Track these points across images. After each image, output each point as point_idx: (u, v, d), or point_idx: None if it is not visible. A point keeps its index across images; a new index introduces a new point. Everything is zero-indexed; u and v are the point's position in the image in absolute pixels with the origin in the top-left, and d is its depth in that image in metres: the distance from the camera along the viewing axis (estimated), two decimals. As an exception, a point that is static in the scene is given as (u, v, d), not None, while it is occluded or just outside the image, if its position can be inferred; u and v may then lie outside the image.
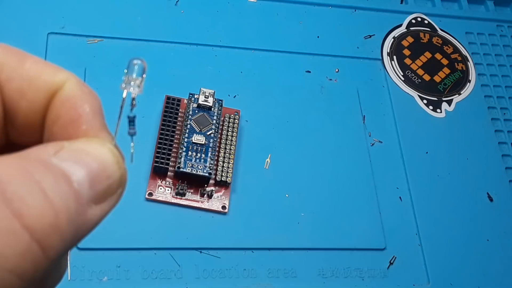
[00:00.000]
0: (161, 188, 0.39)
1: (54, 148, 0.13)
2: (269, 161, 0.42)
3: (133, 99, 0.15)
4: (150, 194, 0.39)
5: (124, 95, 0.15)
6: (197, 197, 0.39)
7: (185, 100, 0.42)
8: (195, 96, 0.41)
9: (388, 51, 0.50)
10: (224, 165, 0.40)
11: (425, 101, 0.48)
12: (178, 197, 0.39)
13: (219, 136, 0.41)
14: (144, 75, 0.15)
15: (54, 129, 0.14)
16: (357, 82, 0.47)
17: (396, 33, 0.51)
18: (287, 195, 0.41)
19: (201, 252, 0.38)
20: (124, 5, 0.46)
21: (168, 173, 0.39)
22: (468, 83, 0.50)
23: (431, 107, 0.48)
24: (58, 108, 0.14)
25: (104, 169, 0.13)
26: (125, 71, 0.15)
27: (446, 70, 0.50)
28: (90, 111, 0.14)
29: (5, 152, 0.15)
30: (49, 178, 0.12)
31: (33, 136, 0.15)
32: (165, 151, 0.39)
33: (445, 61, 0.51)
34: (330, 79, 0.47)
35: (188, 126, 0.40)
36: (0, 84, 0.14)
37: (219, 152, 0.40)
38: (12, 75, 0.14)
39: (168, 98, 0.41)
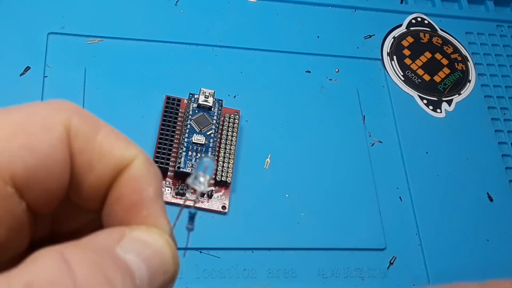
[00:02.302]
0: (161, 188, 0.39)
1: (117, 236, 0.13)
2: (269, 161, 0.42)
3: (198, 195, 0.15)
4: (150, 194, 0.39)
5: (192, 190, 0.15)
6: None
7: (185, 100, 0.42)
8: (195, 96, 0.41)
9: (388, 51, 0.50)
10: (224, 165, 0.40)
11: (425, 101, 0.48)
12: (178, 197, 0.39)
13: (219, 136, 0.41)
14: (212, 175, 0.15)
15: (116, 208, 0.14)
16: (357, 82, 0.47)
17: (396, 33, 0.51)
18: (287, 195, 0.41)
19: (201, 252, 0.38)
20: (124, 5, 0.46)
21: (168, 173, 0.39)
22: (468, 83, 0.50)
23: (431, 107, 0.48)
24: (123, 187, 0.14)
25: (162, 264, 0.14)
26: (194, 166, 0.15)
27: (446, 70, 0.50)
28: (153, 195, 0.14)
29: (62, 210, 0.15)
30: (119, 277, 0.12)
31: (93, 202, 0.15)
32: (165, 151, 0.39)
33: (445, 61, 0.51)
34: (330, 79, 0.47)
35: (188, 126, 0.40)
36: (72, 155, 0.14)
37: (219, 152, 0.40)
38: (84, 147, 0.14)
39: (168, 98, 0.41)
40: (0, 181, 0.13)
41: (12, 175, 0.13)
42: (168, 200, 0.39)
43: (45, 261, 0.12)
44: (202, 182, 0.15)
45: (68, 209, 0.15)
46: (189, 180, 0.15)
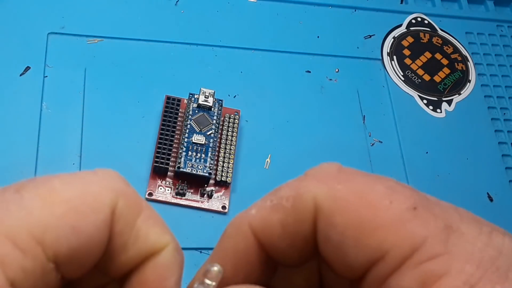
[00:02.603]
0: (161, 188, 0.39)
1: None
2: (269, 161, 0.42)
3: None
4: (150, 194, 0.39)
5: None
6: (197, 197, 0.39)
7: (185, 100, 0.42)
8: (195, 96, 0.41)
9: (388, 51, 0.50)
10: (224, 165, 0.40)
11: (425, 101, 0.48)
12: (178, 197, 0.39)
13: (219, 136, 0.41)
14: (217, 284, 0.16)
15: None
16: (357, 82, 0.47)
17: (396, 33, 0.51)
18: (287, 195, 0.41)
19: (201, 252, 0.38)
20: (124, 5, 0.46)
21: (168, 173, 0.39)
22: (468, 83, 0.50)
23: (431, 107, 0.48)
24: (149, 272, 0.15)
25: None
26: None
27: (446, 70, 0.50)
28: (174, 285, 0.16)
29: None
30: None
31: (117, 273, 0.16)
32: (165, 151, 0.39)
33: (445, 61, 0.51)
34: (330, 79, 0.47)
35: (188, 126, 0.40)
36: (111, 235, 0.15)
37: (219, 152, 0.40)
38: (124, 229, 0.15)
39: (168, 98, 0.41)
40: (45, 258, 0.14)
41: (56, 253, 0.14)
42: (168, 200, 0.39)
43: None
44: None
45: (91, 272, 0.16)
46: (195, 285, 0.16)
